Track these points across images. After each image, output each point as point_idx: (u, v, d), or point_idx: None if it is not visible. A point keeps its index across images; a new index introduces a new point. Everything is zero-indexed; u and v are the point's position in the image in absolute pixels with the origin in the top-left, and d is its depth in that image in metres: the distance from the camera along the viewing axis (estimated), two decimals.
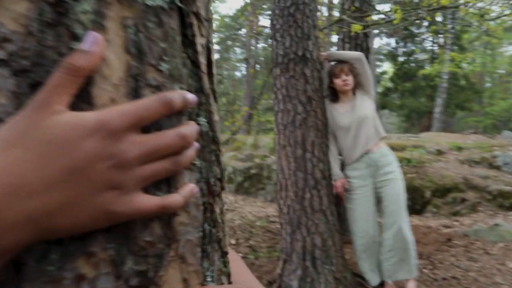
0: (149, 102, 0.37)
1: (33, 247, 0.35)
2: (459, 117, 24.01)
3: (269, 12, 17.32)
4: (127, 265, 0.39)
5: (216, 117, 0.49)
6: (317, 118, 3.64)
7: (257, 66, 25.42)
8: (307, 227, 3.60)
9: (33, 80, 0.36)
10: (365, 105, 3.50)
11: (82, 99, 0.37)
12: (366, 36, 5.27)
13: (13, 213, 0.31)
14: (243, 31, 27.48)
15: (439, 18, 16.42)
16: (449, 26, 16.05)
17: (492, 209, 6.78)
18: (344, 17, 4.70)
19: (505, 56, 26.23)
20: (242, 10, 23.76)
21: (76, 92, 0.35)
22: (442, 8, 4.11)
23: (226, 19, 29.17)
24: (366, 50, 5.35)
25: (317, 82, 3.68)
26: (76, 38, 0.37)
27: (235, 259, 0.58)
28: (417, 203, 7.05)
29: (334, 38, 21.12)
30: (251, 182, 8.56)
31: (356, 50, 5.34)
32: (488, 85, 26.14)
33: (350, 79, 3.54)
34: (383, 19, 4.86)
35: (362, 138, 3.51)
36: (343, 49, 5.44)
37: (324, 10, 18.50)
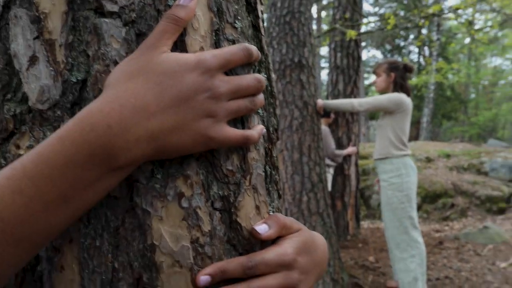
0: (234, 49, 0.45)
1: (143, 167, 0.42)
2: (446, 127, 24.38)
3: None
4: (213, 190, 0.46)
5: (273, 75, 0.56)
6: (313, 123, 3.73)
7: None
8: None
9: (138, 30, 0.43)
10: (383, 117, 3.53)
11: (179, 47, 0.44)
12: (357, 45, 5.41)
13: (140, 129, 0.38)
14: None
15: (424, 30, 16.79)
16: (435, 37, 16.42)
17: (481, 214, 6.91)
18: (337, 26, 4.83)
19: (488, 67, 26.78)
20: None
21: (176, 38, 0.43)
22: (433, 15, 4.26)
23: None
24: (358, 59, 5.49)
25: (313, 88, 3.78)
26: None
27: None
28: None
29: (323, 51, 21.41)
30: None
31: (347, 59, 5.48)
32: (472, 95, 26.62)
33: (378, 81, 3.60)
34: (375, 27, 5.00)
35: (376, 145, 3.59)
36: (335, 58, 5.57)
37: (313, 23, 18.75)
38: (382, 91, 3.58)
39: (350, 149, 5.38)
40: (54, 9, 0.43)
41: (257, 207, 0.49)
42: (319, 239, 0.55)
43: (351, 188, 5.59)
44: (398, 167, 3.40)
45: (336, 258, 3.71)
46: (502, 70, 23.02)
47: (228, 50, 0.44)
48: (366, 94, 22.20)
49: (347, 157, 5.47)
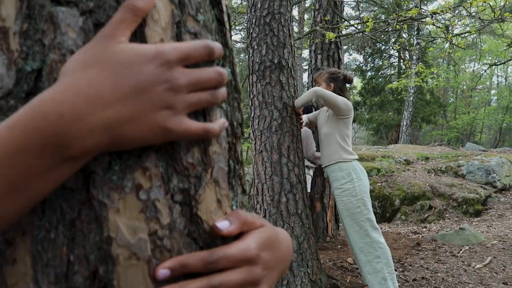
0: (196, 44, 0.44)
1: (100, 158, 0.42)
2: (425, 131, 24.73)
3: (241, 27, 17.55)
4: (173, 182, 0.45)
5: (237, 69, 0.56)
6: (292, 124, 3.75)
7: None
8: None
9: (96, 20, 0.43)
10: (331, 124, 3.61)
11: (138, 38, 0.43)
12: (337, 47, 5.45)
13: (94, 118, 0.38)
14: None
15: (404, 35, 17.04)
16: (415, 42, 16.67)
17: (458, 215, 7.03)
18: (317, 28, 4.87)
19: (467, 72, 27.31)
20: None
21: (134, 29, 0.42)
22: (410, 19, 4.33)
23: None
24: (338, 61, 5.53)
25: (292, 89, 3.80)
26: None
27: None
28: (387, 211, 7.23)
29: (305, 53, 21.54)
30: None
31: (328, 61, 5.51)
32: (451, 100, 27.09)
33: None
34: (355, 30, 5.06)
35: (323, 152, 3.68)
36: (315, 60, 5.60)
37: (295, 25, 18.84)
38: None
39: None
40: None
41: (219, 201, 0.49)
42: (283, 235, 0.55)
43: (331, 189, 5.62)
44: (349, 173, 3.53)
45: (314, 259, 3.73)
46: (480, 75, 23.49)
47: (189, 45, 0.44)
48: None
49: None
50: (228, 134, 0.53)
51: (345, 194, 3.50)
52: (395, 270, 4.40)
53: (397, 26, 4.16)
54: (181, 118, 0.43)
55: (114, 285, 0.42)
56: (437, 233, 6.01)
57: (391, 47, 20.03)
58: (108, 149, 0.40)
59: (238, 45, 20.96)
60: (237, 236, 0.49)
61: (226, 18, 0.54)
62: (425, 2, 20.35)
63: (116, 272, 0.42)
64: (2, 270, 0.42)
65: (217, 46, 0.47)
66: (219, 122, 0.48)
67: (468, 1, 4.34)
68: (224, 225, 0.47)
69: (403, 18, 4.25)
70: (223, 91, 0.48)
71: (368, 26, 4.53)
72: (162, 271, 0.42)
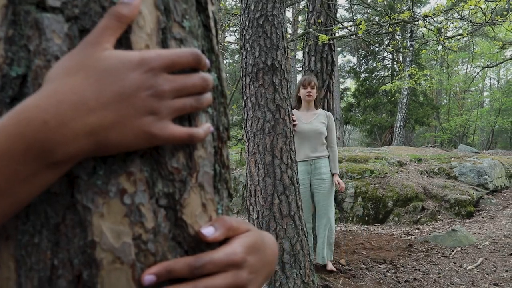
0: (181, 52, 0.45)
1: (85, 163, 0.42)
2: (418, 132, 24.84)
3: (235, 29, 17.56)
4: (158, 187, 0.46)
5: (223, 74, 0.57)
6: (285, 126, 3.76)
7: None
8: (276, 232, 3.68)
9: (81, 26, 0.43)
10: (323, 127, 4.41)
11: (124, 44, 0.44)
12: (331, 49, 5.47)
13: (78, 124, 0.38)
14: None
15: (398, 37, 17.11)
16: (408, 44, 16.76)
17: (450, 217, 7.06)
18: (311, 30, 4.88)
19: (459, 74, 27.47)
20: None
21: (119, 35, 0.43)
22: (403, 21, 4.36)
23: None
24: (331, 63, 5.55)
25: (285, 91, 3.81)
26: None
27: None
28: (380, 212, 7.26)
29: (299, 55, 21.57)
30: None
31: (321, 63, 5.53)
32: (444, 102, 27.23)
33: (313, 92, 4.31)
34: (348, 32, 5.09)
35: (317, 147, 4.38)
36: (309, 62, 5.62)
37: (289, 27, 18.87)
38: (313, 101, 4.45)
39: None
40: None
41: (204, 205, 0.49)
42: (269, 239, 0.56)
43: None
44: (328, 164, 4.48)
45: (307, 260, 3.74)
46: (472, 77, 23.63)
47: (174, 52, 0.44)
48: (342, 98, 22.44)
49: None
50: (214, 139, 0.53)
51: (329, 179, 4.40)
52: (387, 271, 4.42)
53: (390, 29, 4.19)
54: (166, 123, 0.43)
55: None
56: (429, 234, 6.04)
57: (384, 49, 20.11)
58: (92, 154, 0.41)
59: (232, 46, 20.97)
60: (223, 240, 0.49)
61: (212, 24, 0.55)
62: (418, 4, 20.47)
63: (100, 276, 0.42)
64: None
65: (205, 58, 0.47)
66: (204, 127, 0.48)
67: (460, 5, 4.38)
68: (209, 231, 0.47)
69: (396, 21, 4.28)
70: (208, 96, 0.48)
71: (361, 28, 4.56)
72: (148, 277, 0.43)
